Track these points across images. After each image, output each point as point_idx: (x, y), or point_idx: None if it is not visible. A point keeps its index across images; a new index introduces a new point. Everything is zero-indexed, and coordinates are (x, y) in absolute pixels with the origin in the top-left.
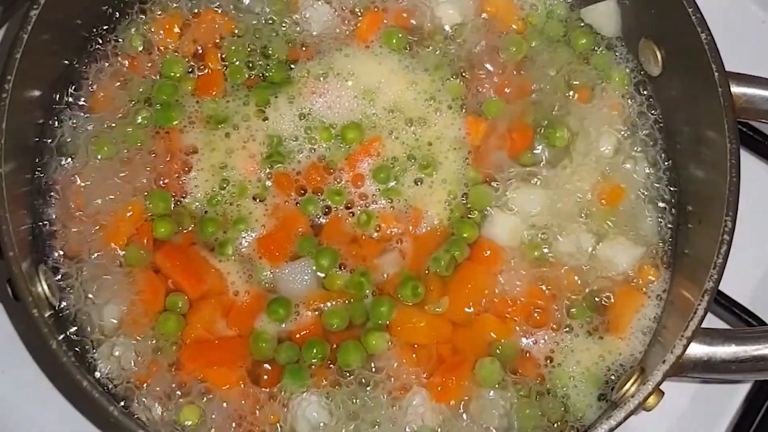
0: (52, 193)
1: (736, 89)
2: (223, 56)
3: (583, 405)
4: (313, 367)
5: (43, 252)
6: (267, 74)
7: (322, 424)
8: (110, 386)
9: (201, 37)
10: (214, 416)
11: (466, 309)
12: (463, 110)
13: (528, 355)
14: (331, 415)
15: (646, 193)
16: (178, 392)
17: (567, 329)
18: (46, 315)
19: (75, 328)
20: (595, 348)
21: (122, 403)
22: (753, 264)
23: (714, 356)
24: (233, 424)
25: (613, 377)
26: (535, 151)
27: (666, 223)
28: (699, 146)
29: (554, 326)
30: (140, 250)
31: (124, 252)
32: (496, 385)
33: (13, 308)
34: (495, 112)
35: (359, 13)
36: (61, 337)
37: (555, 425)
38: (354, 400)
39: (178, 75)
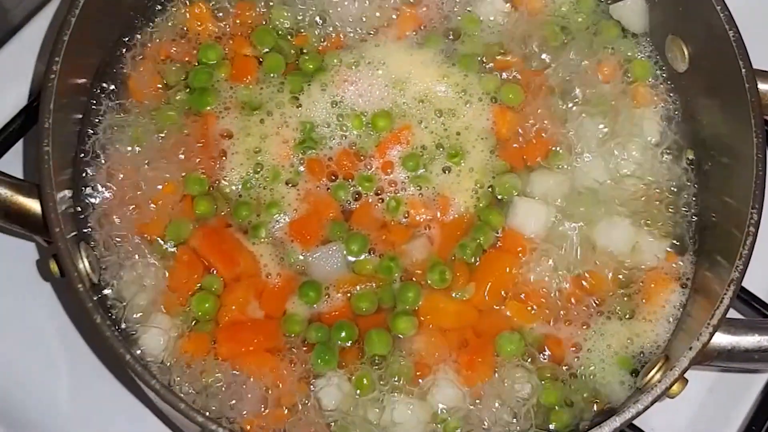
0: (92, 174)
1: (762, 86)
2: (258, 44)
3: (614, 382)
4: (340, 348)
5: (83, 230)
6: (300, 63)
7: (346, 401)
8: (149, 363)
9: (237, 25)
10: (245, 392)
11: (492, 296)
12: (493, 103)
13: (555, 338)
14: (356, 393)
15: (671, 184)
16: (215, 370)
17: (598, 314)
18: (89, 291)
19: (113, 304)
20: (623, 332)
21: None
22: None
23: (738, 345)
24: (263, 400)
25: (639, 363)
26: (559, 149)
27: (692, 215)
28: (725, 140)
29: (584, 313)
30: (180, 228)
31: (162, 233)
32: (520, 362)
33: (58, 287)
34: (514, 99)
35: (395, 5)
36: (103, 312)
37: (582, 404)
38: (381, 381)
39: (213, 61)
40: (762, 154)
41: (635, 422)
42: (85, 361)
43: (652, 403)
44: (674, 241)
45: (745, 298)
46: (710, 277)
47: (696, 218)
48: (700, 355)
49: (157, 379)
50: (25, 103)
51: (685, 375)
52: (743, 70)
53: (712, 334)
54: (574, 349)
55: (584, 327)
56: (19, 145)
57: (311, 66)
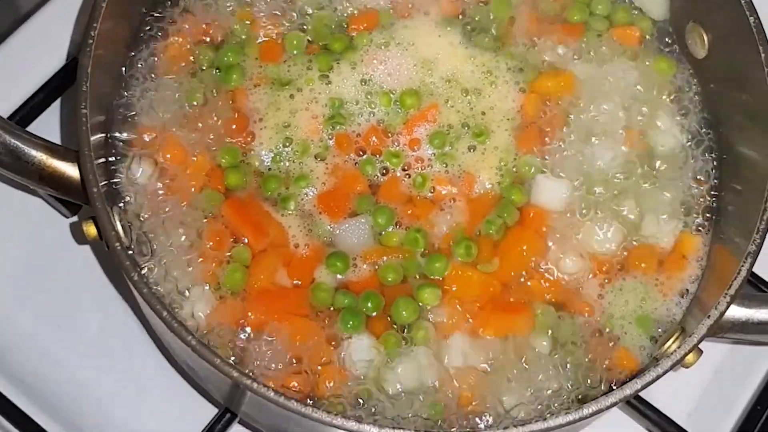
0: (124, 141)
1: None
2: (287, 24)
3: (634, 346)
4: (366, 317)
5: (115, 195)
6: (328, 43)
7: (370, 361)
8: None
9: (266, 5)
10: (276, 354)
11: (515, 270)
12: (518, 84)
13: (577, 294)
14: (379, 354)
15: (688, 162)
16: (245, 333)
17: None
18: (126, 251)
19: (147, 270)
20: (641, 292)
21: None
22: None
23: (752, 318)
24: (293, 362)
25: (657, 330)
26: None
27: (708, 191)
28: (743, 120)
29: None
30: (211, 198)
31: (193, 202)
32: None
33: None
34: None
35: None
36: (139, 271)
37: (602, 367)
38: (404, 342)
39: (243, 38)
40: None
41: (645, 396)
42: (121, 325)
43: (666, 371)
44: (691, 219)
45: (753, 281)
46: (726, 252)
47: (713, 196)
48: (717, 326)
49: (193, 335)
50: (63, 64)
51: (700, 354)
52: (763, 56)
53: (729, 304)
54: (591, 308)
55: (604, 287)
56: (55, 110)
57: (338, 46)
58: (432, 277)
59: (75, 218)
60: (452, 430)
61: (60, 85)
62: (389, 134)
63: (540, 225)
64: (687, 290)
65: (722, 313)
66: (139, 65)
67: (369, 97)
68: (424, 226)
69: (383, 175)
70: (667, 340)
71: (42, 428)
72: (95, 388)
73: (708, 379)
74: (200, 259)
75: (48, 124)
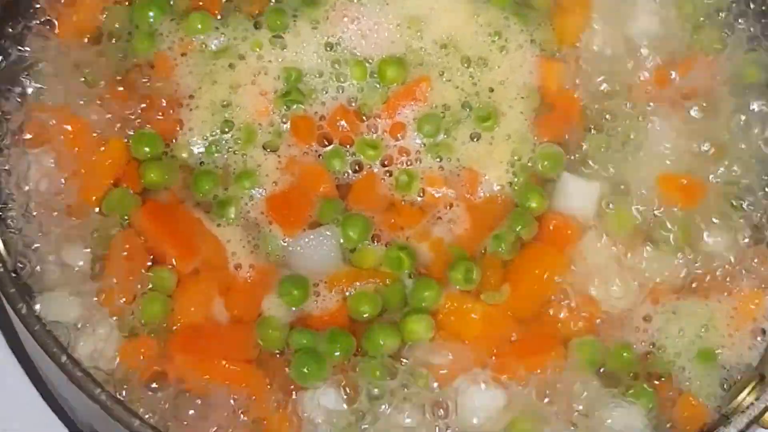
0: (11, 132)
1: None
2: None
3: (701, 393)
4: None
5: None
6: None
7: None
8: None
9: None
10: (215, 411)
11: (533, 300)
12: (538, 50)
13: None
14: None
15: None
16: (167, 383)
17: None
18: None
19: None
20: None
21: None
22: None
23: None
24: (238, 418)
25: (726, 375)
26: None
27: None
28: None
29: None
30: (122, 201)
31: (98, 206)
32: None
33: None
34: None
35: None
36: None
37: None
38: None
39: None
40: None
41: None
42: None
43: (743, 430)
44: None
45: None
46: None
47: None
48: None
49: (103, 388)
50: None
51: None
52: None
53: None
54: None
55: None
56: None
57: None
58: (422, 305)
59: None
60: None
61: None
62: (364, 117)
63: (565, 240)
64: (764, 330)
65: None
66: (33, 28)
67: (336, 67)
68: (411, 241)
69: (356, 172)
70: (742, 391)
71: None
72: None
73: None
74: (108, 283)
75: None
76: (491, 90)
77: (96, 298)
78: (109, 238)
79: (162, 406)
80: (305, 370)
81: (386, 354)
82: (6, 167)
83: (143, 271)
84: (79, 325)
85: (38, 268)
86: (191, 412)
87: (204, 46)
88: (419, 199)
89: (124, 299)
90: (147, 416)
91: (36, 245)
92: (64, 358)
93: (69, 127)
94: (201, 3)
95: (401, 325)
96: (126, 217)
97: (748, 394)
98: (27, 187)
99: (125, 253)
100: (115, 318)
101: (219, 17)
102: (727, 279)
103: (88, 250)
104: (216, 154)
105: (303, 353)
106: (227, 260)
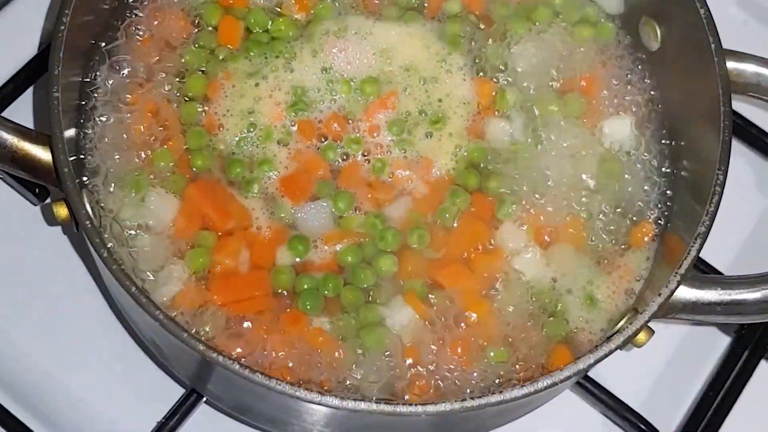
0: (94, 125)
1: (729, 63)
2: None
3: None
4: (327, 297)
5: (85, 178)
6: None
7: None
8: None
9: None
10: (241, 330)
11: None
12: (472, 71)
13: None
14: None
15: (639, 155)
16: (213, 313)
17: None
18: (98, 230)
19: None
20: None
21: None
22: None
23: (701, 299)
24: (263, 336)
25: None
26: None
27: (660, 180)
28: (694, 111)
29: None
30: (177, 181)
31: (161, 185)
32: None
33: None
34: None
35: None
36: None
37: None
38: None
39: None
40: (728, 120)
41: (599, 381)
42: (86, 308)
43: (620, 346)
44: (645, 204)
45: (701, 268)
46: (676, 237)
47: (665, 184)
48: (667, 306)
49: (161, 310)
50: (36, 53)
51: (652, 334)
52: (713, 45)
53: (679, 283)
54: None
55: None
56: (28, 98)
57: (290, 32)
58: (387, 248)
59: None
60: (406, 398)
61: (33, 74)
62: (350, 121)
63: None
64: (639, 276)
65: (672, 291)
66: (108, 56)
67: (330, 84)
68: (383, 210)
69: (344, 160)
70: (619, 321)
71: (5, 409)
72: (58, 370)
73: (662, 365)
74: (170, 240)
75: (21, 111)
76: (440, 101)
77: (161, 249)
78: (170, 206)
79: (205, 326)
80: (308, 304)
81: (366, 284)
82: (92, 149)
83: (196, 229)
84: (150, 271)
85: (115, 229)
86: (228, 329)
87: (236, 69)
88: (389, 179)
89: (182, 251)
90: (193, 331)
91: (111, 209)
92: (133, 289)
93: (152, 116)
94: (224, 41)
95: (375, 263)
96: (179, 193)
97: (625, 322)
98: (107, 164)
99: (186, 215)
100: (170, 263)
101: (242, 50)
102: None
103: (156, 215)
104: (244, 147)
105: (306, 292)
106: (251, 223)
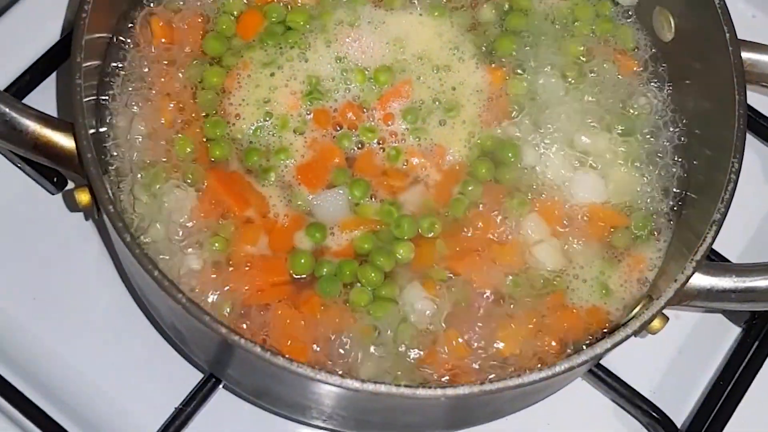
0: (115, 113)
1: (743, 54)
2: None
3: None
4: (345, 281)
5: (106, 164)
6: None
7: None
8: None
9: None
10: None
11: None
12: (484, 59)
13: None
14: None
15: (660, 141)
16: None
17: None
18: (120, 214)
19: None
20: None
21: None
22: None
23: (716, 286)
24: (285, 321)
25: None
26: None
27: (676, 167)
28: (708, 100)
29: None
30: (196, 170)
31: (179, 174)
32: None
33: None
34: (506, 47)
35: None
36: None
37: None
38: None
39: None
40: (743, 109)
41: (611, 368)
42: (109, 291)
43: (637, 331)
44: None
45: (713, 258)
46: (691, 225)
47: (681, 172)
48: (682, 293)
49: (183, 293)
50: (58, 39)
51: (666, 321)
52: (727, 35)
53: (695, 270)
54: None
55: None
56: (51, 83)
57: (300, 21)
58: (403, 236)
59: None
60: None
61: (56, 59)
62: (364, 110)
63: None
64: (654, 265)
65: (688, 278)
66: (129, 43)
67: (344, 74)
68: (398, 198)
69: (359, 148)
70: (635, 308)
71: (23, 394)
72: (75, 356)
73: (673, 353)
74: (190, 224)
75: (44, 96)
76: (453, 89)
77: (182, 233)
78: (190, 195)
79: (223, 312)
80: (327, 289)
81: (387, 268)
82: (112, 136)
83: (216, 216)
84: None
85: (137, 215)
86: (246, 315)
87: (252, 59)
88: (404, 167)
89: (200, 239)
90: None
91: (130, 194)
92: (156, 272)
93: (171, 106)
94: (241, 32)
95: (392, 250)
96: (198, 181)
97: (640, 309)
98: (126, 150)
99: (207, 202)
100: (190, 250)
101: (257, 41)
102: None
103: (176, 204)
104: (260, 136)
105: (324, 278)
106: (269, 210)
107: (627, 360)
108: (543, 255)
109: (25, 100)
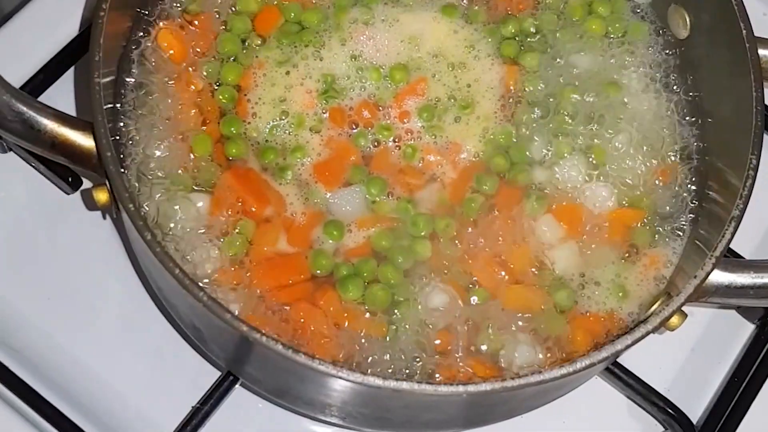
0: (131, 112)
1: (761, 50)
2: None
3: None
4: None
5: (123, 163)
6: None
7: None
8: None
9: None
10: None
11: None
12: (498, 57)
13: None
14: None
15: (674, 140)
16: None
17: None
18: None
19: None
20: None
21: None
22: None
23: (734, 282)
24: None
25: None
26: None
27: (691, 167)
28: (725, 98)
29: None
30: (212, 170)
31: (195, 174)
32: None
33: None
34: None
35: None
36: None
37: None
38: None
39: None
40: (760, 106)
41: (626, 365)
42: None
43: (657, 327)
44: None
45: (726, 255)
46: (708, 221)
47: (695, 170)
48: (701, 289)
49: (205, 291)
50: (76, 33)
51: (685, 318)
52: (744, 31)
53: (714, 266)
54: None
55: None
56: (70, 77)
57: (314, 20)
58: (420, 233)
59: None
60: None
61: (74, 54)
62: (380, 108)
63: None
64: (671, 262)
65: (708, 274)
66: (144, 44)
67: (360, 72)
68: (414, 196)
69: (375, 146)
70: (653, 304)
71: (39, 395)
72: (92, 355)
73: (688, 350)
74: (207, 224)
75: (62, 91)
76: (468, 86)
77: (201, 231)
78: (205, 193)
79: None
80: (349, 291)
81: (406, 265)
82: (128, 134)
83: (233, 214)
84: (186, 253)
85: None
86: (265, 313)
87: (268, 58)
88: (420, 164)
89: (219, 235)
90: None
91: (146, 193)
92: (177, 271)
93: (188, 105)
94: (257, 30)
95: (410, 248)
96: (213, 181)
97: (659, 305)
98: (142, 149)
99: (223, 202)
100: (208, 248)
101: (274, 39)
102: None
103: (189, 198)
104: (276, 135)
105: (345, 280)
106: (286, 209)
107: (642, 357)
108: (560, 258)
109: (45, 94)
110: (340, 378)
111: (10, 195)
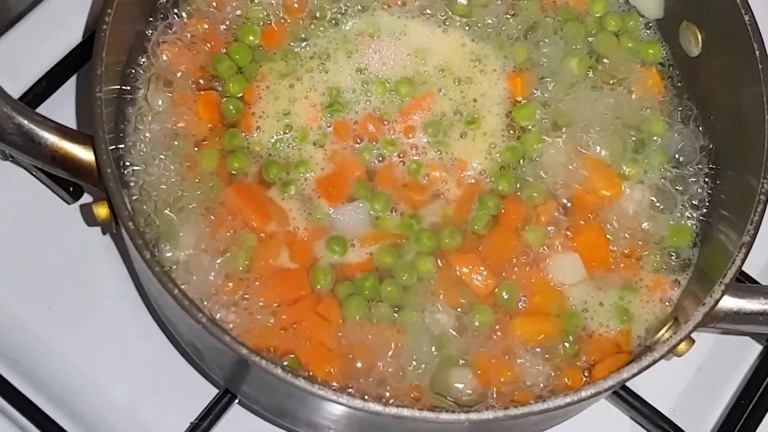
0: (132, 126)
1: None
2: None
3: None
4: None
5: (125, 178)
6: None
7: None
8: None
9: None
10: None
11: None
12: (504, 71)
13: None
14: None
15: (684, 159)
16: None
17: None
18: (139, 229)
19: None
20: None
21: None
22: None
23: (744, 308)
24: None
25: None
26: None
27: (701, 190)
28: (736, 118)
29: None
30: (215, 184)
31: (198, 187)
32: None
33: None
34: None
35: None
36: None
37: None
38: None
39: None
40: None
41: (631, 387)
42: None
43: (664, 355)
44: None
45: (740, 279)
46: (717, 245)
47: (706, 192)
48: (710, 315)
49: (204, 313)
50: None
51: (693, 344)
52: (757, 52)
53: (724, 292)
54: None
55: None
56: (71, 87)
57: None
58: (424, 249)
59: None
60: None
61: (76, 62)
62: (385, 122)
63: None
64: (678, 285)
65: (717, 301)
66: (147, 61)
67: (365, 86)
68: (419, 212)
69: (380, 161)
70: (660, 329)
71: (39, 408)
72: (90, 369)
73: (694, 369)
74: (209, 239)
75: (64, 100)
76: (475, 101)
77: (203, 247)
78: (208, 209)
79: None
80: (352, 310)
81: (407, 284)
82: (130, 149)
83: (234, 230)
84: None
85: (155, 230)
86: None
87: (271, 70)
88: (425, 180)
89: (220, 249)
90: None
91: (148, 209)
92: (176, 291)
93: (189, 114)
94: (265, 44)
95: (414, 265)
96: (217, 195)
97: (666, 331)
98: (153, 168)
99: (224, 218)
100: (209, 265)
101: (278, 52)
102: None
103: (198, 216)
104: (280, 149)
105: (348, 299)
106: (289, 223)
107: (646, 378)
108: (564, 278)
109: (46, 104)
110: (340, 404)
111: (10, 203)
